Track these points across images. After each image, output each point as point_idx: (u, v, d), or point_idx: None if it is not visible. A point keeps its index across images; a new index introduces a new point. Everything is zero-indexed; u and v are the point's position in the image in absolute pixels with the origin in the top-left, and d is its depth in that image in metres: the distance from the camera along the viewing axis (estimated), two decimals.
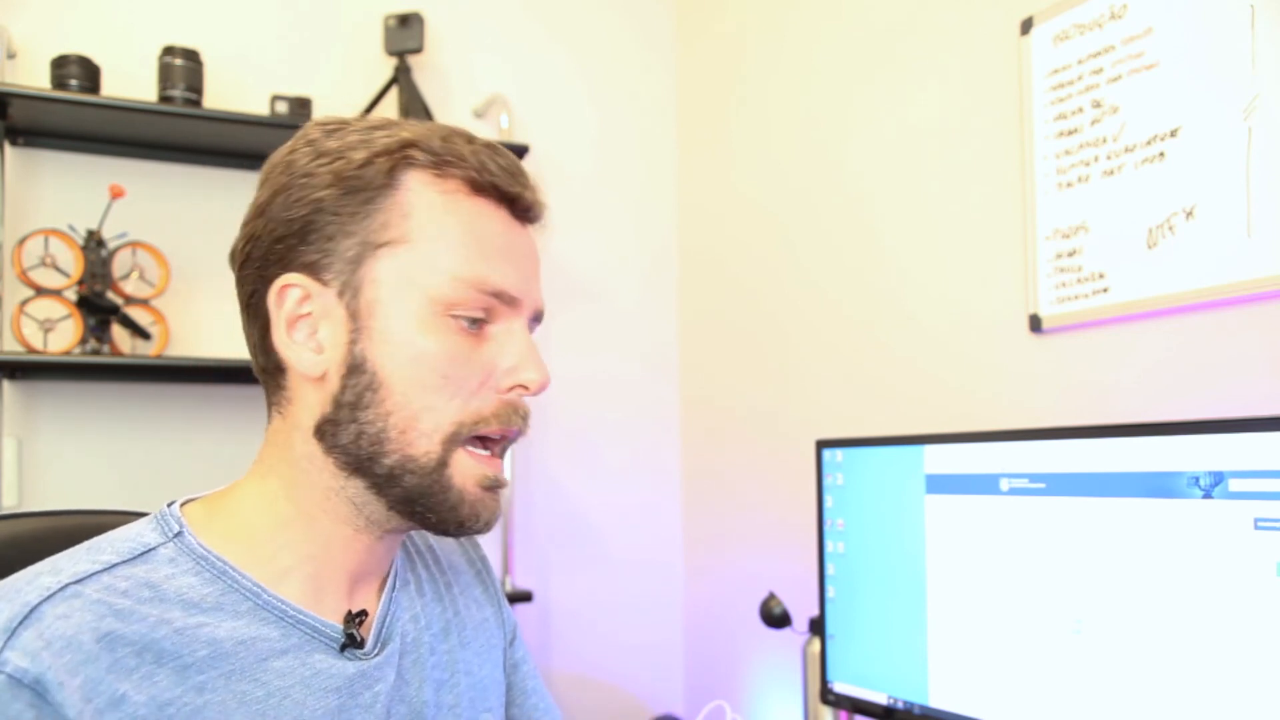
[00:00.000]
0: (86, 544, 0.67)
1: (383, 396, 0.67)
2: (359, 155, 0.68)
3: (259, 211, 0.70)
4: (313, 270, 0.68)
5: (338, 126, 0.71)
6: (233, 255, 0.73)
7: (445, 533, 0.72)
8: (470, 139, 0.71)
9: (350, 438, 0.68)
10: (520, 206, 0.72)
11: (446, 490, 0.68)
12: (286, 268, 0.69)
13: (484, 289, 0.68)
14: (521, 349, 0.70)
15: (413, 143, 0.69)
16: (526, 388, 0.70)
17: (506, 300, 0.70)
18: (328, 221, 0.68)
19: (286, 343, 0.69)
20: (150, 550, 0.67)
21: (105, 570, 0.64)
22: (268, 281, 0.69)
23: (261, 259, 0.70)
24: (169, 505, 0.71)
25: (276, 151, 0.72)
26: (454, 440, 0.68)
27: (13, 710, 0.56)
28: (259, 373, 0.73)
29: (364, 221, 0.68)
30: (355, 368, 0.68)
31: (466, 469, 0.69)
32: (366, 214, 0.68)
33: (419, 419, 0.67)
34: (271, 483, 0.71)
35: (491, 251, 0.69)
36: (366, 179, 0.68)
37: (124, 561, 0.65)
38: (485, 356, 0.69)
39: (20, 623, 0.59)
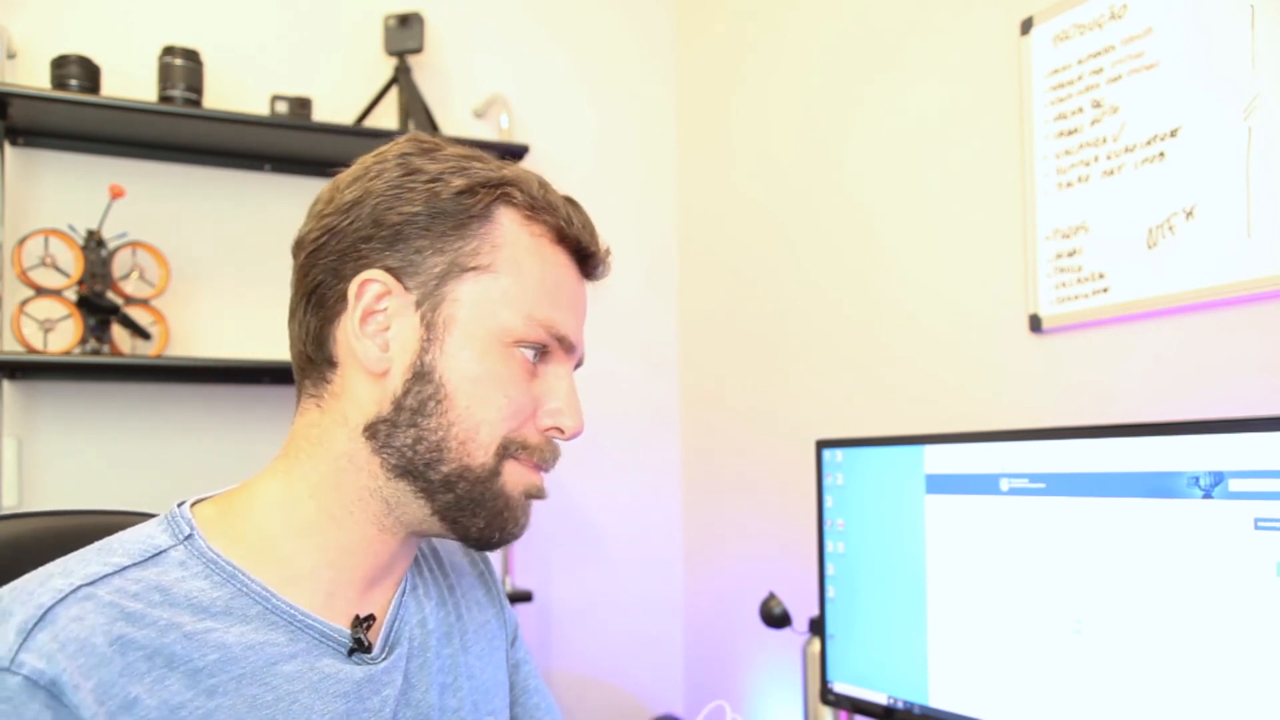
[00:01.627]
0: (96, 545, 0.68)
1: (446, 407, 0.70)
2: (458, 182, 0.72)
3: (345, 209, 0.72)
4: (395, 274, 0.71)
5: (434, 147, 0.74)
6: (300, 243, 0.74)
7: (479, 542, 0.74)
8: (556, 193, 0.76)
9: (407, 441, 0.70)
10: (590, 264, 0.78)
11: (497, 498, 0.72)
12: (370, 267, 0.71)
13: (551, 330, 0.73)
14: (567, 393, 0.75)
15: (513, 182, 0.73)
16: (562, 431, 0.74)
17: (566, 346, 0.75)
18: (418, 234, 0.71)
19: (357, 333, 0.71)
20: (161, 553, 0.67)
21: (116, 573, 0.64)
22: (342, 275, 0.71)
23: (340, 253, 0.72)
24: (179, 506, 0.71)
25: (369, 157, 0.75)
26: (504, 451, 0.72)
27: (30, 712, 0.56)
28: (303, 363, 0.74)
29: (456, 244, 0.71)
30: (421, 375, 0.70)
31: (517, 477, 0.73)
32: (460, 237, 0.71)
33: (479, 431, 0.71)
34: (296, 480, 0.72)
35: (562, 298, 0.74)
36: (465, 206, 0.72)
37: (135, 564, 0.66)
38: (536, 391, 0.73)
39: (35, 625, 0.59)
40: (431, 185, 0.71)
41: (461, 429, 0.70)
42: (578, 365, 0.78)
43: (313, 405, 0.73)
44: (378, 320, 0.71)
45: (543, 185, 0.75)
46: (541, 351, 0.73)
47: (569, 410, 0.74)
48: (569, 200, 0.77)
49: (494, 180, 0.72)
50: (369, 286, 0.70)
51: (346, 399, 0.71)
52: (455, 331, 0.70)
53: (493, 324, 0.71)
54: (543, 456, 0.74)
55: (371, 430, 0.70)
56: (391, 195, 0.71)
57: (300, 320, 0.73)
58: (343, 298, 0.71)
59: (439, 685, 0.77)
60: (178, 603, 0.65)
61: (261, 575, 0.69)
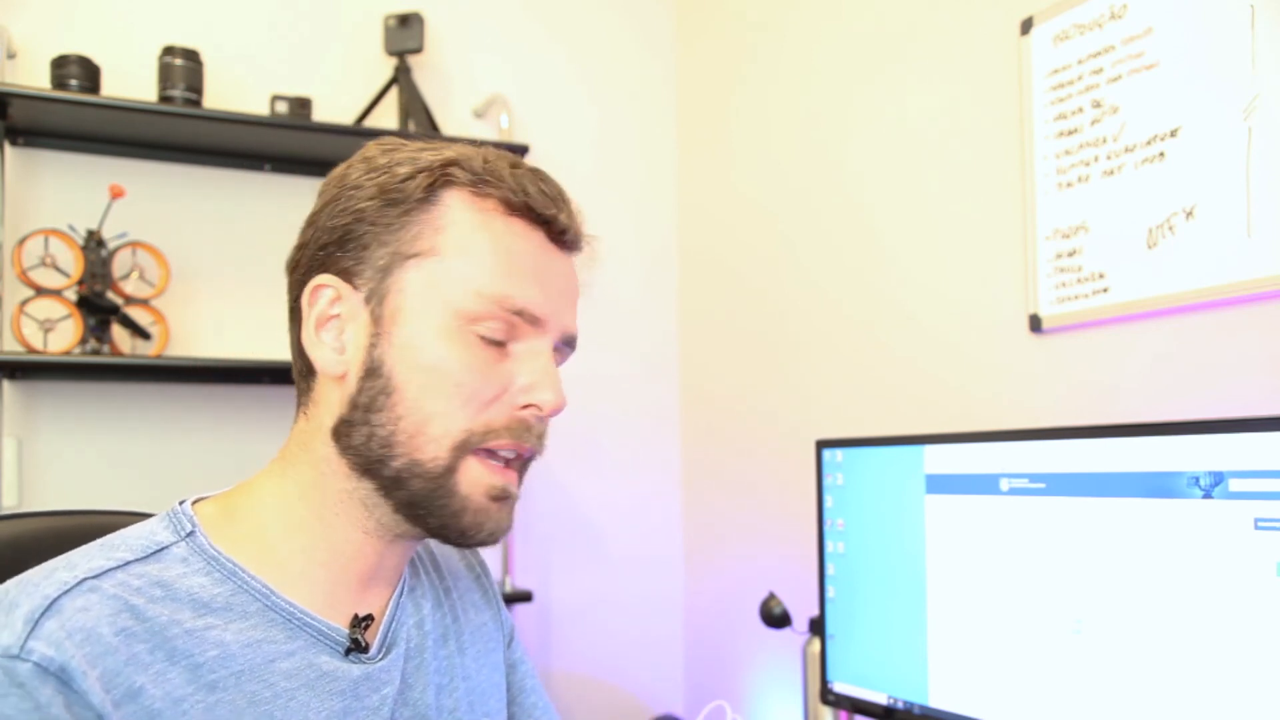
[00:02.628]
0: (100, 541, 0.68)
1: (394, 401, 0.68)
2: (403, 170, 0.71)
3: (310, 222, 0.73)
4: (346, 275, 0.71)
5: (394, 146, 0.73)
6: (287, 265, 0.76)
7: (449, 540, 0.72)
8: (516, 163, 0.73)
9: (362, 439, 0.69)
10: (556, 230, 0.73)
11: (450, 496, 0.69)
12: (325, 272, 0.71)
13: (506, 306, 0.69)
14: (540, 369, 0.71)
15: (455, 161, 0.71)
16: (539, 408, 0.71)
17: (529, 319, 0.70)
18: (365, 230, 0.70)
19: (314, 341, 0.71)
20: (163, 549, 0.68)
21: (120, 567, 0.65)
22: (305, 285, 0.72)
23: (306, 265, 0.73)
24: (180, 504, 0.72)
25: (339, 166, 0.75)
26: (463, 448, 0.69)
27: (42, 697, 0.57)
28: (295, 374, 0.75)
29: (399, 233, 0.70)
30: (371, 371, 0.69)
31: (475, 476, 0.70)
32: (402, 225, 0.70)
33: (428, 424, 0.68)
34: (289, 483, 0.72)
35: (519, 271, 0.70)
36: (406, 192, 0.70)
37: (137, 559, 0.66)
38: (504, 372, 0.70)
39: (42, 614, 0.60)
40: (379, 179, 0.71)
41: (410, 422, 0.68)
42: (569, 346, 0.75)
43: (301, 413, 0.74)
44: (334, 326, 0.71)
45: (492, 158, 0.72)
46: (510, 329, 0.70)
47: (543, 384, 0.70)
48: (526, 169, 0.73)
49: (435, 163, 0.71)
50: (320, 292, 0.71)
51: (321, 405, 0.72)
52: (402, 322, 0.69)
53: (441, 308, 0.69)
54: (518, 435, 0.70)
55: (337, 433, 0.71)
56: (346, 196, 0.71)
57: (290, 335, 0.75)
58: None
59: (435, 686, 0.78)
60: (179, 598, 0.65)
61: (261, 573, 0.69)
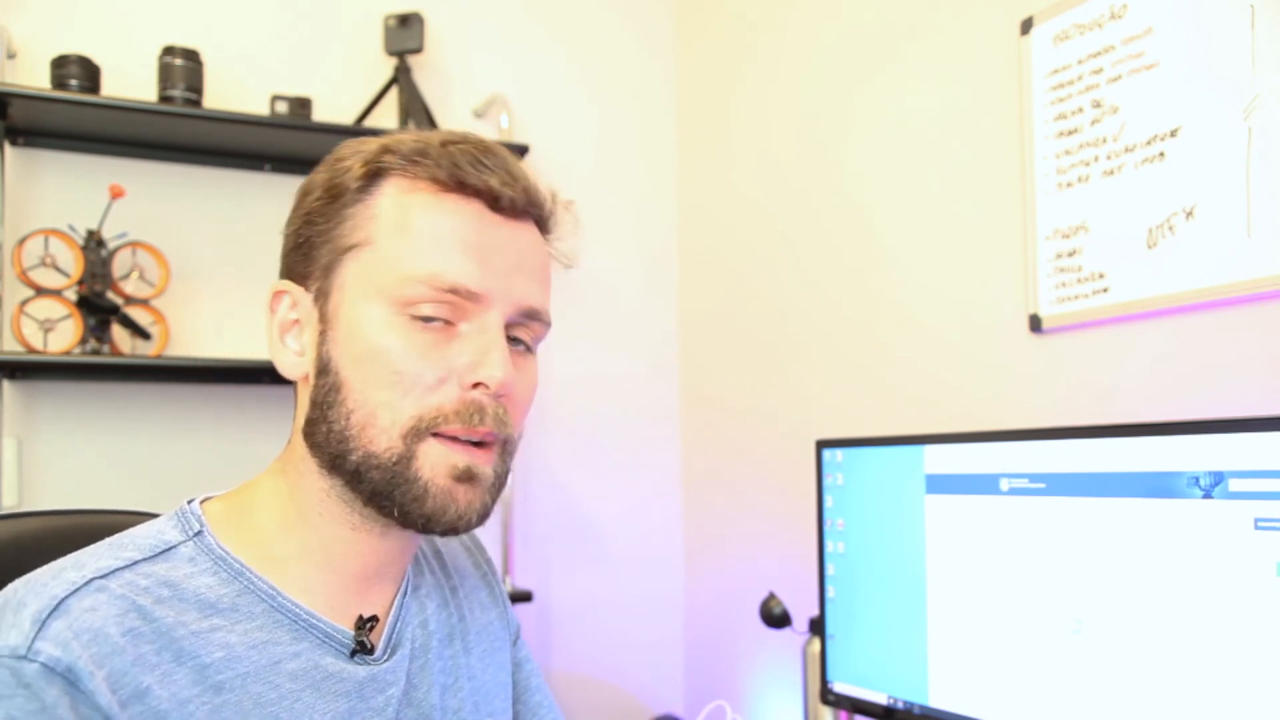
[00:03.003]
0: (108, 540, 0.68)
1: (344, 396, 0.68)
2: (343, 164, 0.70)
3: (283, 231, 0.74)
4: (300, 278, 0.72)
5: (356, 144, 0.73)
6: None
7: (421, 529, 0.69)
8: (451, 139, 0.70)
9: (323, 436, 0.69)
10: (494, 200, 0.70)
11: (412, 483, 0.67)
12: (286, 278, 0.73)
13: (438, 285, 0.67)
14: (482, 346, 0.68)
15: (387, 148, 0.70)
16: (486, 385, 0.67)
17: (466, 296, 0.67)
18: (313, 231, 0.71)
19: (278, 347, 0.72)
20: (171, 548, 0.68)
21: (127, 567, 0.65)
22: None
23: (284, 272, 0.74)
24: (189, 503, 0.72)
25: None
26: (415, 434, 0.67)
27: (49, 697, 0.57)
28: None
29: (339, 227, 0.70)
30: (323, 369, 0.70)
31: (435, 459, 0.67)
32: (341, 219, 0.70)
33: (377, 415, 0.67)
34: (280, 483, 0.73)
35: (452, 248, 0.67)
36: (344, 186, 0.70)
37: (145, 559, 0.66)
38: (450, 354, 0.67)
39: (49, 614, 0.60)
40: (325, 177, 0.71)
41: (360, 415, 0.67)
42: (532, 316, 0.71)
43: (294, 416, 0.75)
44: (296, 329, 0.72)
45: (426, 138, 0.70)
46: (452, 309, 0.68)
47: (485, 360, 0.67)
48: (467, 142, 0.70)
49: (370, 153, 0.70)
50: (280, 299, 0.72)
51: (300, 407, 0.73)
52: (343, 316, 0.69)
53: (376, 296, 0.67)
54: (469, 419, 0.67)
55: (306, 433, 0.71)
56: (301, 203, 0.72)
57: None
58: None
59: (440, 686, 0.77)
60: (186, 598, 0.65)
61: (267, 573, 0.69)
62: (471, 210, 0.69)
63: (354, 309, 0.68)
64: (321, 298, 0.70)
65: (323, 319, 0.70)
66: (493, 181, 0.69)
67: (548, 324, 0.73)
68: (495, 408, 0.68)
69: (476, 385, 0.67)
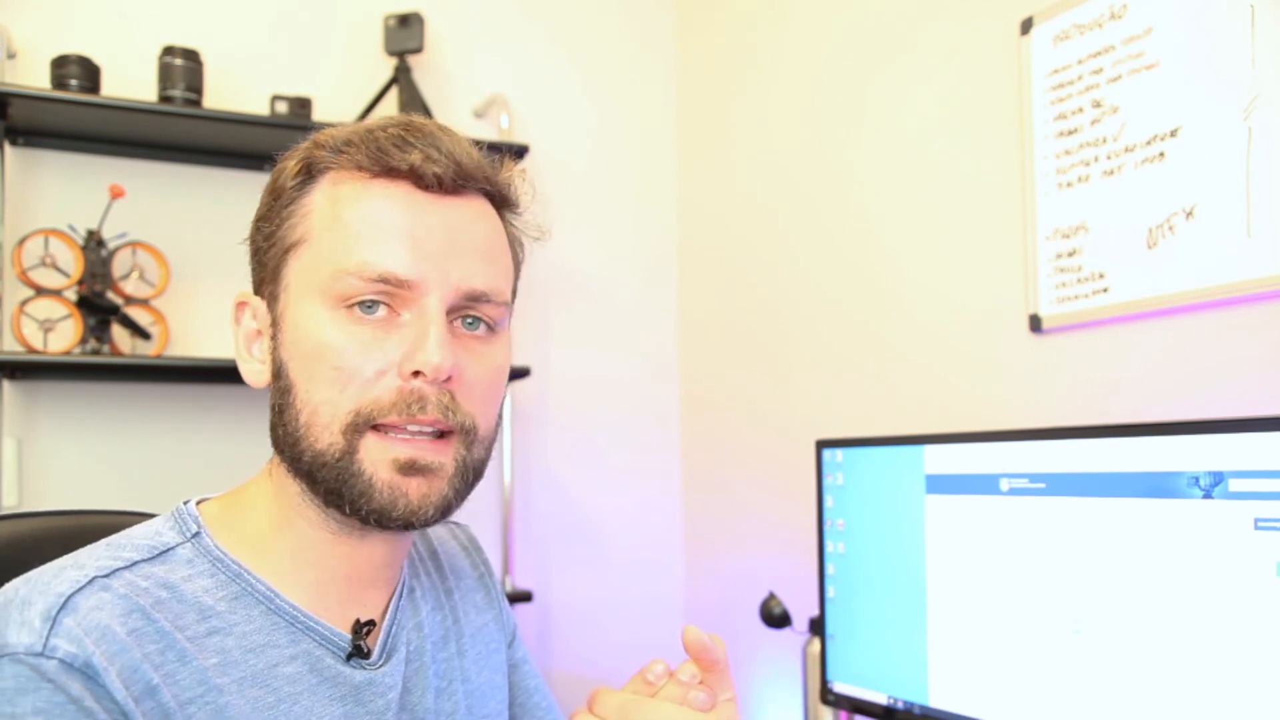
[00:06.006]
0: (105, 541, 0.68)
1: (293, 397, 0.67)
2: (282, 165, 0.70)
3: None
4: (258, 287, 0.71)
5: (300, 143, 0.72)
6: None
7: (377, 525, 0.67)
8: (380, 125, 0.68)
9: (280, 440, 0.69)
10: (418, 177, 0.66)
11: (357, 477, 0.65)
12: (249, 288, 0.72)
13: (368, 275, 0.64)
14: (419, 333, 0.65)
15: (318, 143, 0.69)
16: (422, 373, 0.64)
17: (398, 284, 0.65)
18: (261, 236, 0.70)
19: (244, 357, 0.72)
20: (169, 550, 0.68)
21: (127, 567, 0.65)
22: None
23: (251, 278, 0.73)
24: (185, 504, 0.72)
25: None
26: (355, 429, 0.65)
27: (73, 691, 0.57)
28: None
29: (280, 229, 0.69)
30: (276, 372, 0.69)
31: (378, 453, 0.65)
32: (281, 220, 0.69)
33: (318, 413, 0.65)
34: (268, 485, 0.72)
35: (381, 234, 0.65)
36: (282, 186, 0.69)
37: (144, 560, 0.66)
38: (389, 345, 0.65)
39: (59, 611, 0.60)
40: (269, 182, 0.71)
41: (306, 414, 0.66)
42: (477, 299, 0.68)
43: None
44: (259, 339, 0.71)
45: (355, 128, 0.68)
46: (391, 298, 0.65)
47: (419, 346, 0.64)
48: (390, 125, 0.68)
49: (303, 150, 0.69)
50: (242, 310, 0.72)
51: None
52: (289, 316, 0.68)
53: (314, 293, 0.66)
54: (407, 410, 0.64)
55: (271, 438, 0.71)
56: (258, 210, 0.72)
57: None
58: None
59: (435, 689, 0.77)
60: (185, 600, 0.65)
61: (264, 575, 0.69)
62: (399, 192, 0.66)
63: (297, 309, 0.67)
64: (272, 301, 0.69)
65: (275, 324, 0.69)
66: (415, 159, 0.66)
67: (502, 303, 0.70)
68: (439, 395, 0.65)
69: (416, 374, 0.65)
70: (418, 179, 0.66)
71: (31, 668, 0.57)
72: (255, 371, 0.71)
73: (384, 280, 0.64)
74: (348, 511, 0.67)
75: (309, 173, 0.68)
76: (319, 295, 0.66)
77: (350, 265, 0.64)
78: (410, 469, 0.65)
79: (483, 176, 0.70)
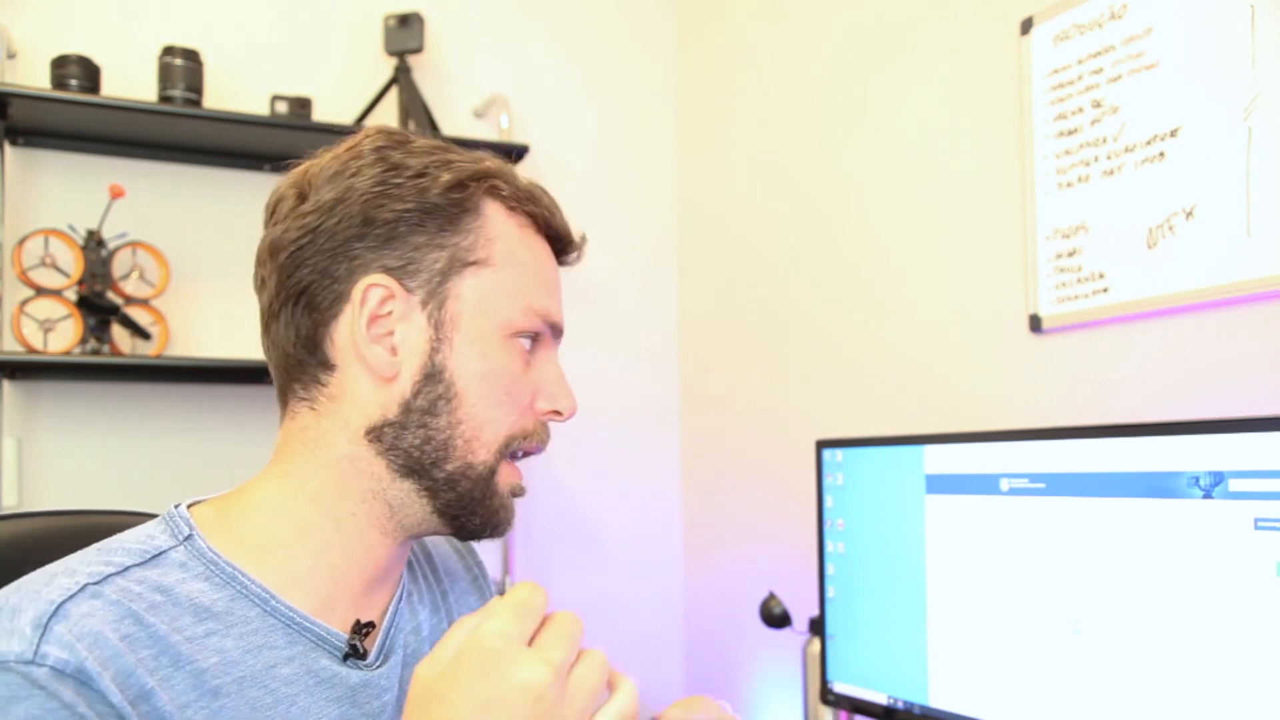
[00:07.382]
0: (96, 546, 0.68)
1: (455, 405, 0.70)
2: (445, 176, 0.71)
3: (328, 208, 0.70)
4: (395, 274, 0.70)
5: (405, 140, 0.73)
6: (278, 244, 0.71)
7: (475, 536, 0.75)
8: (535, 186, 0.78)
9: (417, 441, 0.70)
10: (566, 249, 0.79)
11: (494, 496, 0.73)
12: (367, 268, 0.69)
13: (546, 319, 0.74)
14: (559, 377, 0.76)
15: (496, 174, 0.74)
16: (560, 414, 0.76)
17: (556, 332, 0.76)
18: (413, 231, 0.70)
19: (365, 340, 0.69)
20: (161, 553, 0.67)
21: (120, 573, 0.64)
22: (334, 276, 0.69)
23: (330, 253, 0.69)
24: (176, 507, 0.71)
25: (341, 151, 0.73)
26: (504, 451, 0.73)
27: (65, 697, 0.57)
28: (290, 365, 0.72)
29: (453, 239, 0.71)
30: (432, 375, 0.70)
31: (507, 476, 0.74)
32: (455, 232, 0.71)
33: (484, 429, 0.71)
34: (295, 485, 0.71)
35: (549, 286, 0.76)
36: (455, 200, 0.71)
37: (137, 564, 0.66)
38: (531, 379, 0.74)
39: (49, 619, 0.59)
40: (418, 181, 0.70)
41: (468, 427, 0.71)
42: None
43: (305, 408, 0.72)
44: (384, 324, 0.69)
45: (516, 175, 0.77)
46: (536, 339, 0.75)
47: (564, 393, 0.76)
48: (541, 188, 0.78)
49: (479, 173, 0.73)
50: (373, 291, 0.69)
51: (347, 402, 0.70)
52: (462, 328, 0.71)
53: (495, 318, 0.72)
54: (541, 440, 0.76)
55: (376, 433, 0.70)
56: (378, 192, 0.69)
57: (287, 322, 0.71)
58: (339, 300, 0.69)
59: None
60: (179, 604, 0.65)
61: (261, 577, 0.68)
62: (548, 251, 0.78)
63: (474, 325, 0.71)
64: (434, 304, 0.70)
65: (435, 326, 0.70)
66: (573, 238, 0.79)
67: None
68: (550, 433, 0.77)
69: (548, 413, 0.75)
70: (563, 251, 0.79)
71: (22, 675, 0.57)
72: (385, 361, 0.69)
73: (552, 326, 0.76)
74: (472, 523, 0.73)
75: (482, 197, 0.73)
76: (499, 321, 0.72)
77: (539, 307, 0.74)
78: (519, 492, 0.76)
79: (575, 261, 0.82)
